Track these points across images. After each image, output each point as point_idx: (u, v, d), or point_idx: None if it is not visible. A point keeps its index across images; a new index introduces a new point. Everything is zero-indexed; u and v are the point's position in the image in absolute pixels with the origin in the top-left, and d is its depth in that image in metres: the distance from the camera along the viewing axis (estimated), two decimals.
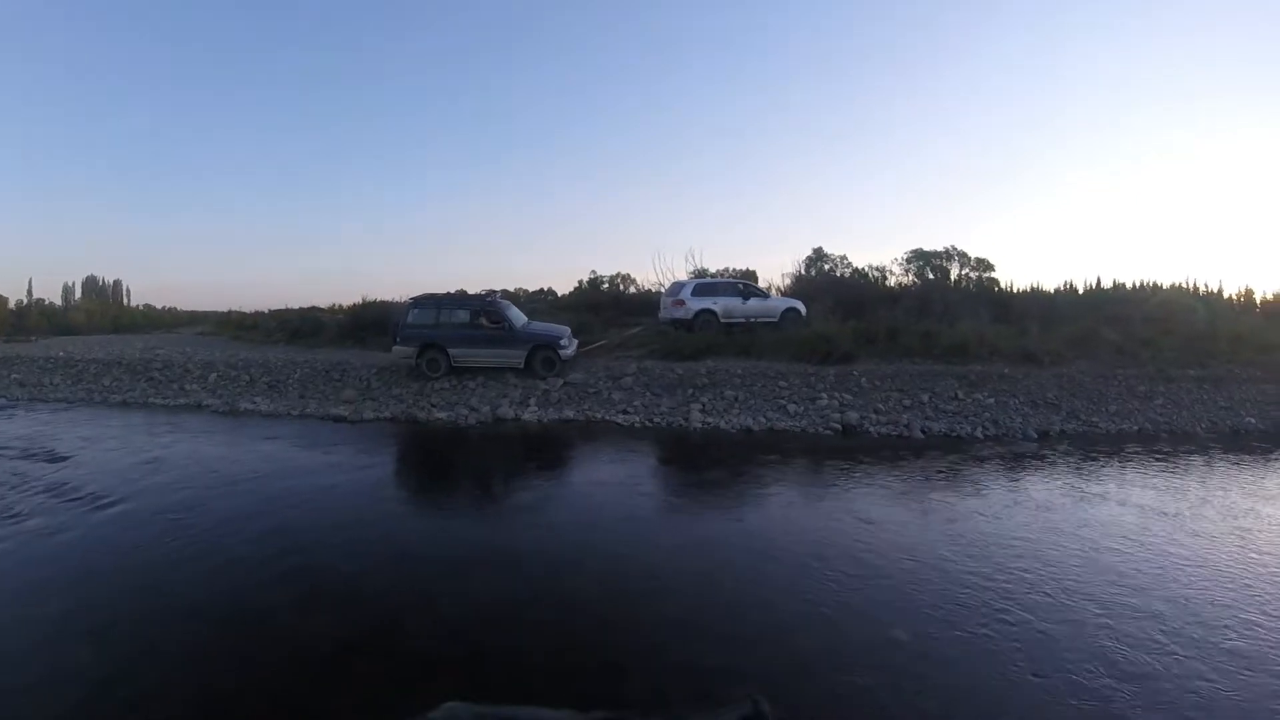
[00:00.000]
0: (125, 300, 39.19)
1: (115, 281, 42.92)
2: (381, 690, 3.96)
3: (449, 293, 14.77)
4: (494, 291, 14.95)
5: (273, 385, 14.91)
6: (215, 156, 73.99)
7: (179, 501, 7.56)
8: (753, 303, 16.75)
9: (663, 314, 17.09)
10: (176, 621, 4.81)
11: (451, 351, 14.04)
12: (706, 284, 17.38)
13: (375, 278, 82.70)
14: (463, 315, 14.20)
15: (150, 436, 11.09)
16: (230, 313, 25.08)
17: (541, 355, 13.98)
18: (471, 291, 16.48)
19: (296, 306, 22.56)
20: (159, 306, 35.22)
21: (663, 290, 19.54)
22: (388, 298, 21.34)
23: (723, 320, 16.25)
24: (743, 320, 16.34)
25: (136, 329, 26.93)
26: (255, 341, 21.10)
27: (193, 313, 28.08)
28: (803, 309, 17.09)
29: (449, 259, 72.40)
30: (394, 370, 14.67)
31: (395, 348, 14.20)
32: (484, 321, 14.17)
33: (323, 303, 24.10)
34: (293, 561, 5.88)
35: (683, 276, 20.98)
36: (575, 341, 14.94)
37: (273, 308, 23.45)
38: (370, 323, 18.62)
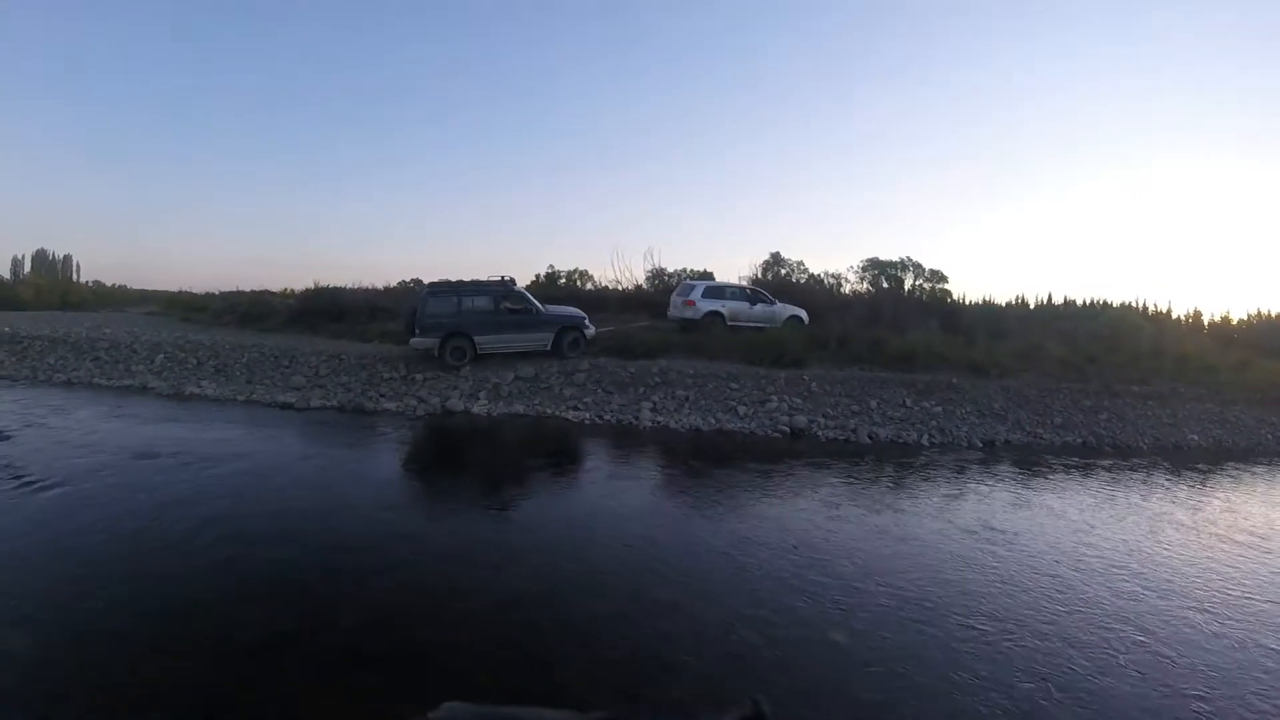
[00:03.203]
0: (75, 276, 37.93)
1: (66, 256, 41.53)
2: (308, 683, 3.90)
3: (467, 280, 14.34)
4: (507, 277, 14.69)
5: (220, 369, 14.54)
6: (173, 134, 71.94)
7: (116, 486, 7.36)
8: (759, 308, 17.14)
9: (672, 312, 17.41)
10: (106, 609, 4.72)
11: (477, 339, 13.71)
12: (716, 287, 17.83)
13: (328, 263, 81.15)
14: (485, 302, 13.84)
15: (93, 418, 10.71)
16: (180, 293, 24.39)
17: (570, 336, 14.21)
18: (425, 280, 16.33)
19: (248, 289, 22.04)
20: (109, 284, 34.15)
21: (621, 287, 20.00)
22: (341, 284, 20.99)
23: (729, 323, 16.55)
24: (748, 324, 16.70)
25: (85, 306, 26.07)
26: (204, 323, 20.53)
27: (143, 291, 27.24)
28: (805, 317, 17.51)
29: (405, 248, 71.51)
30: (342, 359, 14.39)
31: (414, 340, 13.57)
32: (507, 306, 13.97)
33: (274, 286, 23.62)
34: (227, 550, 5.77)
35: (640, 275, 21.69)
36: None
37: (223, 289, 22.92)
38: (322, 309, 18.23)
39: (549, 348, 14.09)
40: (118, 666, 4.04)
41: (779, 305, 17.58)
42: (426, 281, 15.84)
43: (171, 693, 3.81)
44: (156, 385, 13.63)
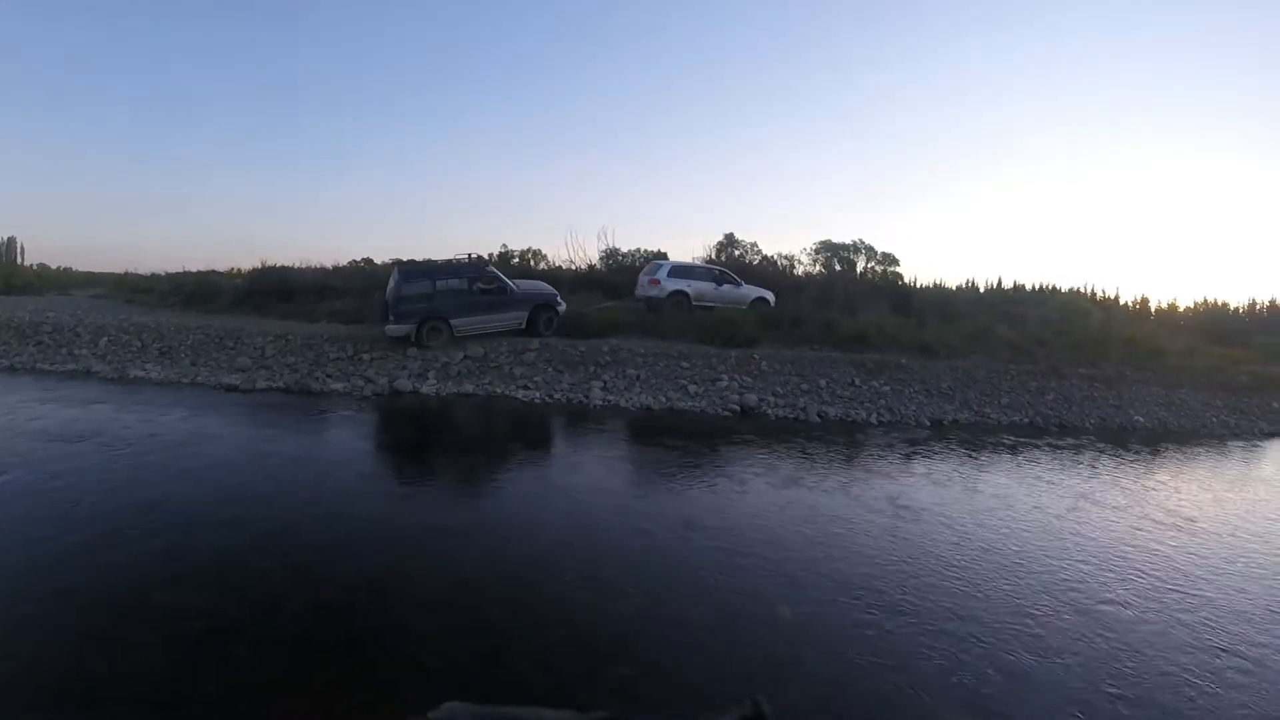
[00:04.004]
0: (19, 259, 36.42)
1: (10, 239, 39.76)
2: (257, 672, 3.84)
3: (443, 260, 14.08)
4: (477, 255, 14.48)
5: (164, 352, 14.12)
6: (117, 115, 69.20)
7: (56, 474, 7.09)
8: (725, 289, 17.15)
9: (639, 291, 17.34)
10: (47, 599, 4.58)
11: (453, 322, 13.40)
12: (683, 267, 17.79)
13: (276, 242, 79.05)
14: (459, 283, 13.54)
15: (34, 404, 10.31)
16: (126, 274, 23.62)
17: (544, 315, 14.15)
18: (374, 261, 16.10)
19: (194, 270, 21.46)
20: (54, 267, 32.97)
21: (575, 267, 20.27)
22: (289, 263, 20.50)
23: (695, 303, 16.56)
24: (714, 305, 16.68)
25: (30, 290, 25.14)
26: (150, 305, 19.86)
27: (89, 274, 26.32)
28: (772, 299, 17.56)
29: (355, 227, 69.72)
30: (289, 339, 14.06)
31: (390, 326, 13.15)
32: (480, 287, 13.70)
33: (221, 266, 23.01)
34: (170, 538, 5.62)
35: (594, 255, 21.77)
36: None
37: (170, 270, 22.25)
38: (269, 289, 17.79)
39: (524, 326, 13.99)
40: (62, 659, 3.93)
41: (745, 287, 17.64)
42: (386, 261, 15.56)
43: (118, 685, 3.71)
44: (100, 369, 13.20)
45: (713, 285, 17.10)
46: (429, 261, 13.96)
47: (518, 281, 14.95)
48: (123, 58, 67.46)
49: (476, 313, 13.65)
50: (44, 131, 66.53)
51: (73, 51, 65.34)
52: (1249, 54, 55.96)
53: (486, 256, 14.68)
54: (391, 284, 13.42)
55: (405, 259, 17.93)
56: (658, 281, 16.68)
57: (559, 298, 14.68)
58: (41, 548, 5.38)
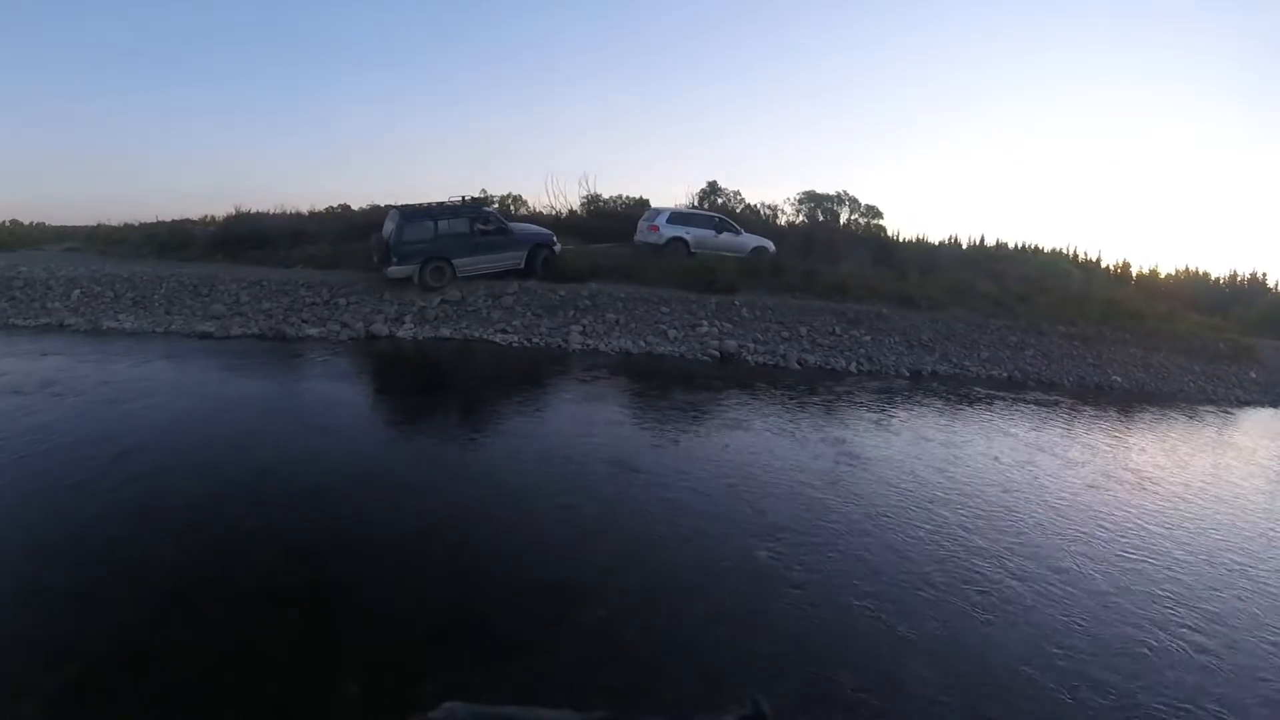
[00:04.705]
0: None
1: None
2: (224, 623, 3.81)
3: (438, 203, 14.07)
4: (472, 197, 14.68)
5: (137, 301, 13.85)
6: (82, 65, 66.86)
7: (21, 430, 6.91)
8: (724, 236, 17.01)
9: (638, 237, 17.21)
10: (13, 556, 4.51)
11: (456, 262, 13.51)
12: (683, 213, 17.73)
13: (251, 189, 76.79)
14: (461, 224, 13.65)
15: (6, 359, 10.07)
16: (99, 227, 23.04)
17: (541, 255, 14.38)
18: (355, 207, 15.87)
19: (168, 219, 20.97)
20: (26, 222, 32.21)
21: (555, 212, 20.34)
22: (262, 209, 20.10)
23: (693, 250, 16.46)
24: (713, 252, 16.58)
25: (2, 247, 24.60)
26: (123, 256, 19.44)
27: (61, 228, 25.70)
28: (771, 247, 17.45)
29: (330, 172, 67.74)
30: (263, 285, 13.83)
31: (393, 268, 13.12)
32: (480, 228, 13.87)
33: (195, 215, 22.48)
34: (137, 490, 5.54)
35: (575, 200, 21.52)
36: None
37: (143, 220, 21.72)
38: (243, 236, 17.46)
39: (522, 266, 14.21)
40: (30, 616, 3.87)
41: (745, 235, 17.53)
42: (363, 207, 15.39)
43: (86, 641, 3.66)
44: (73, 322, 12.95)
45: (712, 233, 16.97)
46: (429, 204, 13.96)
47: (515, 225, 15.18)
48: (86, 7, 65.29)
49: (478, 253, 13.80)
50: (5, 86, 64.56)
51: (33, 17, 63.20)
52: (1242, 24, 55.74)
53: (480, 198, 14.68)
54: (391, 226, 13.38)
55: (384, 204, 17.71)
56: (656, 228, 16.60)
57: (555, 238, 14.96)
58: (4, 504, 5.28)
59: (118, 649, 3.61)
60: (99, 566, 4.39)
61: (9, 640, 3.66)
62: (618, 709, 1.43)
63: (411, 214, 13.50)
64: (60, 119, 66.87)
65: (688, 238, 16.54)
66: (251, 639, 3.69)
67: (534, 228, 15.63)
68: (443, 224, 13.49)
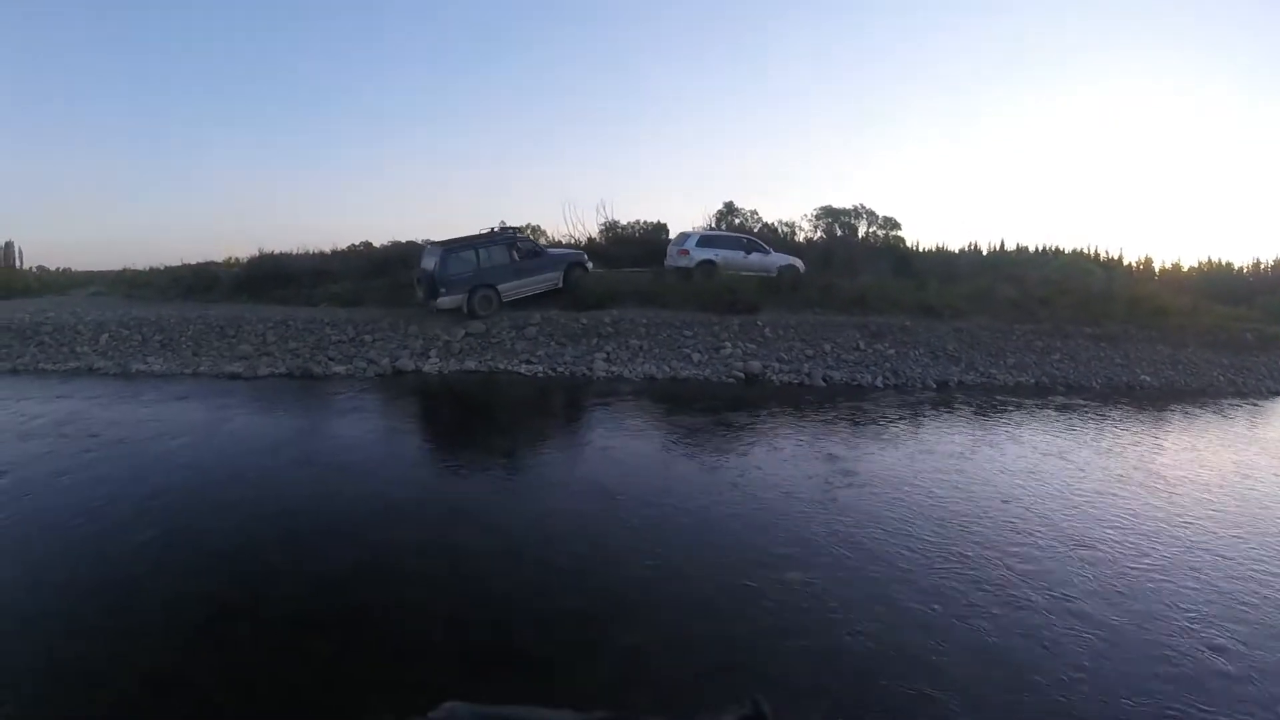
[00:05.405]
0: (17, 263, 36.32)
1: (7, 244, 39.74)
2: (254, 653, 3.84)
3: (477, 234, 14.59)
4: (508, 225, 15.24)
5: (165, 344, 14.08)
6: (109, 114, 68.62)
7: (56, 471, 7.05)
8: (753, 257, 17.12)
9: (668, 261, 17.44)
10: (51, 592, 4.60)
11: (501, 288, 14.05)
12: (711, 236, 17.98)
13: (273, 229, 77.97)
14: (501, 252, 14.19)
15: (36, 404, 10.27)
16: (124, 271, 23.55)
17: (576, 272, 15.17)
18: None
19: (193, 261, 21.36)
20: (53, 268, 32.93)
21: (574, 239, 20.80)
22: (286, 249, 20.46)
23: (723, 271, 16.58)
24: (743, 272, 16.68)
25: (30, 293, 25.15)
26: (149, 299, 19.87)
27: (88, 273, 26.30)
28: (801, 266, 17.53)
29: (351, 209, 68.63)
30: (289, 324, 14.02)
31: (442, 299, 13.49)
32: (518, 252, 14.48)
33: (218, 256, 22.92)
34: (171, 526, 5.62)
35: (593, 227, 21.84)
36: None
37: (168, 263, 22.16)
38: (267, 276, 17.76)
39: (560, 285, 14.89)
40: (65, 649, 3.92)
41: (774, 254, 17.63)
42: (385, 243, 15.77)
43: (119, 671, 3.71)
44: (102, 365, 13.18)
45: (741, 253, 17.05)
46: (466, 236, 14.49)
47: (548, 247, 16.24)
48: (111, 53, 66.97)
49: (520, 276, 14.36)
50: (35, 132, 66.27)
51: (60, 49, 64.89)
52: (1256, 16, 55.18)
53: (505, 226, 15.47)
54: (434, 260, 13.71)
55: (405, 240, 18.02)
56: (686, 252, 16.72)
57: (586, 257, 15.90)
58: (43, 543, 5.38)
59: (152, 677, 3.66)
60: (133, 598, 4.47)
61: (47, 669, 3.74)
62: (618, 709, 1.43)
63: (453, 246, 13.90)
64: (84, 165, 68.60)
65: (718, 260, 16.64)
66: (283, 667, 3.73)
67: (566, 249, 16.57)
68: (483, 253, 13.98)
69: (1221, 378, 13.65)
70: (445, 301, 13.52)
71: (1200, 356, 14.47)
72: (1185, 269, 27.74)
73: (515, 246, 14.45)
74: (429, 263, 13.92)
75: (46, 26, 64.11)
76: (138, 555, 5.09)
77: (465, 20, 69.69)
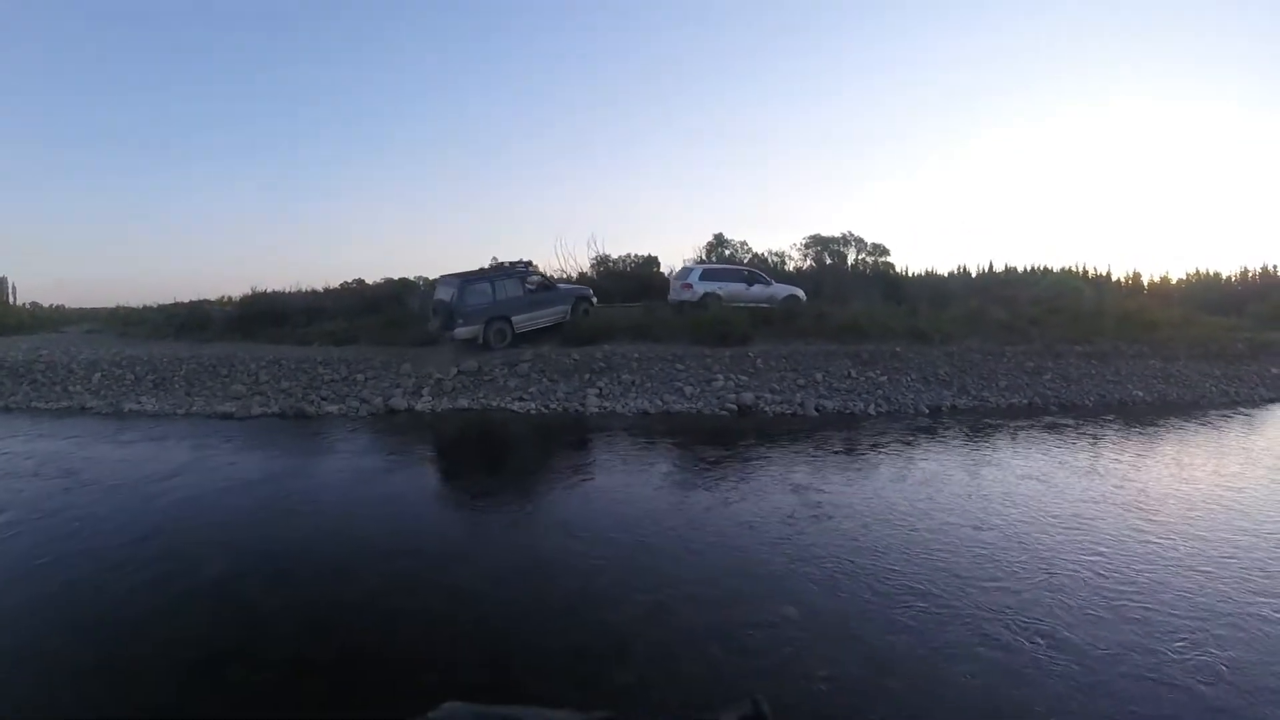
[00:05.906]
0: (11, 299, 36.22)
1: (1, 280, 39.72)
2: (251, 693, 3.85)
3: (491, 267, 15.36)
4: (520, 260, 15.78)
5: (158, 383, 14.09)
6: (102, 151, 68.92)
7: (48, 511, 7.10)
8: (756, 288, 17.27)
9: (672, 296, 17.61)
10: (44, 633, 4.63)
11: (515, 319, 14.49)
12: (713, 269, 18.11)
13: (267, 267, 78.58)
14: (514, 285, 14.65)
15: (27, 443, 10.30)
16: (118, 308, 23.59)
17: (582, 306, 15.84)
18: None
19: (186, 299, 21.44)
20: (46, 305, 32.93)
21: (566, 275, 20.88)
22: (279, 288, 20.54)
23: (726, 304, 16.66)
24: (747, 304, 16.77)
25: (24, 329, 25.12)
26: (143, 337, 19.87)
27: (81, 310, 26.32)
28: (802, 296, 17.65)
29: (346, 248, 69.14)
30: (281, 364, 14.02)
31: (459, 329, 13.86)
32: (530, 287, 14.99)
33: (212, 295, 23.06)
34: (164, 568, 5.64)
35: (585, 263, 22.11)
36: None
37: (161, 302, 22.26)
38: (260, 314, 17.81)
39: (568, 317, 15.42)
40: (62, 691, 3.94)
41: (776, 285, 17.78)
42: (378, 281, 16.04)
43: (119, 711, 3.73)
44: (94, 404, 13.20)
45: (744, 285, 17.21)
46: (482, 269, 15.13)
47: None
48: (105, 93, 67.44)
49: (533, 309, 14.86)
50: (30, 169, 66.49)
51: (53, 88, 65.29)
52: (1241, 24, 56.08)
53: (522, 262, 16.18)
54: (450, 292, 14.16)
55: (399, 277, 18.14)
56: (690, 286, 16.86)
57: (591, 292, 16.57)
58: (36, 585, 5.36)
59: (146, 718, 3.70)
60: (129, 641, 4.48)
61: (44, 713, 3.76)
62: (618, 709, 1.43)
63: (470, 279, 14.27)
64: (79, 203, 68.82)
65: (721, 292, 16.74)
66: (279, 708, 3.73)
67: (573, 285, 17.17)
68: (498, 286, 14.43)
69: (1214, 388, 13.76)
70: (463, 332, 13.87)
71: (1192, 368, 14.61)
72: (1174, 281, 28.05)
73: (527, 280, 14.88)
74: (445, 293, 14.34)
75: (42, 65, 64.63)
76: (131, 597, 5.13)
77: (458, 57, 70.63)
